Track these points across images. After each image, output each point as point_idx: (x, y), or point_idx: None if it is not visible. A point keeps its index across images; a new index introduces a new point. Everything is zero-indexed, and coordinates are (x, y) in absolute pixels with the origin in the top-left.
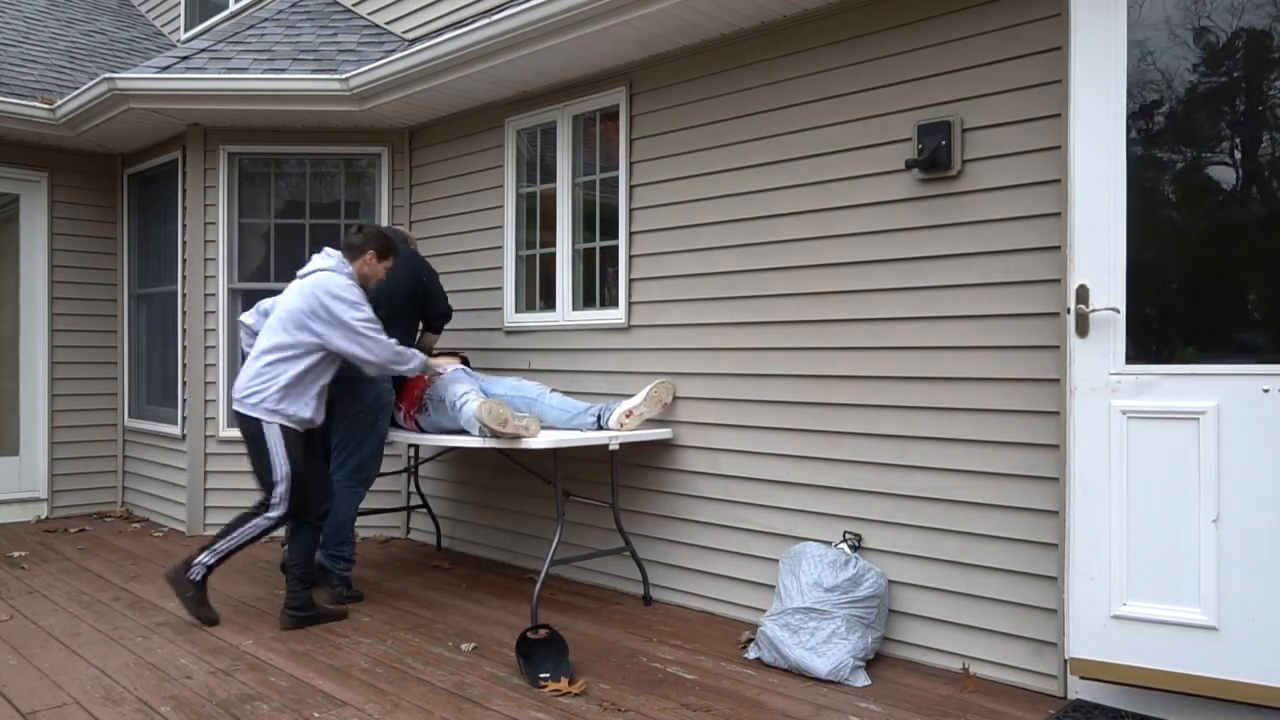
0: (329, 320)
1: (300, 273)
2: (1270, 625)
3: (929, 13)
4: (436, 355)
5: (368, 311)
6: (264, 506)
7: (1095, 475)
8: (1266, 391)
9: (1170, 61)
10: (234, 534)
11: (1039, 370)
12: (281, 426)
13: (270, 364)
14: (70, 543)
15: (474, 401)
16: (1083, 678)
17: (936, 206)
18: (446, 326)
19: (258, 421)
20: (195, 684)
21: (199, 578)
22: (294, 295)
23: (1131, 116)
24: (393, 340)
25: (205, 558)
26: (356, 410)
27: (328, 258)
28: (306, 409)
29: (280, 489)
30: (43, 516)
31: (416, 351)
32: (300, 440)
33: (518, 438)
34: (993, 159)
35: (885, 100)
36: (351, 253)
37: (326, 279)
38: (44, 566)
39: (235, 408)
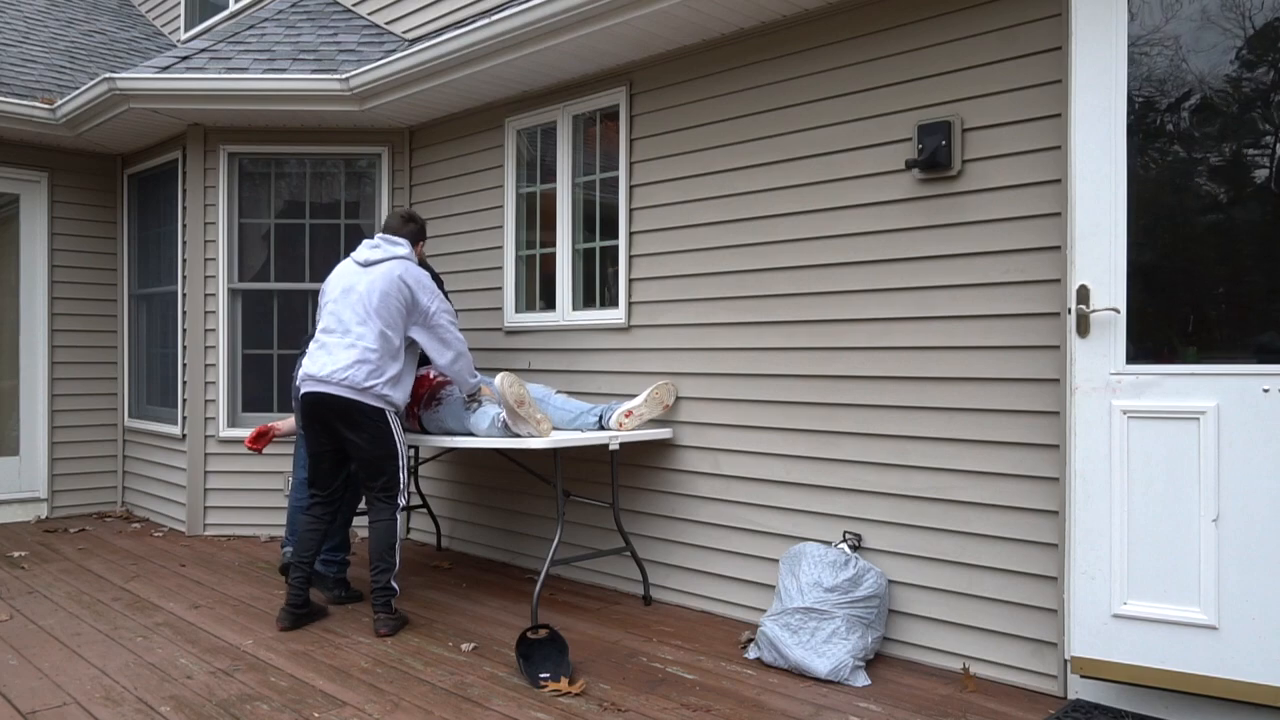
0: (415, 308)
1: (363, 259)
2: (1270, 625)
3: (929, 13)
4: None
5: (448, 304)
6: (389, 502)
7: (1096, 474)
8: (1266, 391)
9: (1172, 63)
10: (395, 549)
11: (1039, 370)
12: (397, 412)
13: (380, 356)
14: (70, 543)
15: (498, 374)
16: (1084, 676)
17: (936, 206)
18: None
19: (382, 411)
20: (195, 684)
21: (395, 604)
22: (379, 280)
23: (1132, 119)
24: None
25: (394, 584)
26: None
27: (397, 245)
28: (406, 395)
29: (404, 478)
30: (43, 516)
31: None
32: None
33: (528, 424)
34: (993, 159)
35: (885, 100)
36: (413, 240)
37: (410, 267)
38: (44, 566)
39: (356, 396)
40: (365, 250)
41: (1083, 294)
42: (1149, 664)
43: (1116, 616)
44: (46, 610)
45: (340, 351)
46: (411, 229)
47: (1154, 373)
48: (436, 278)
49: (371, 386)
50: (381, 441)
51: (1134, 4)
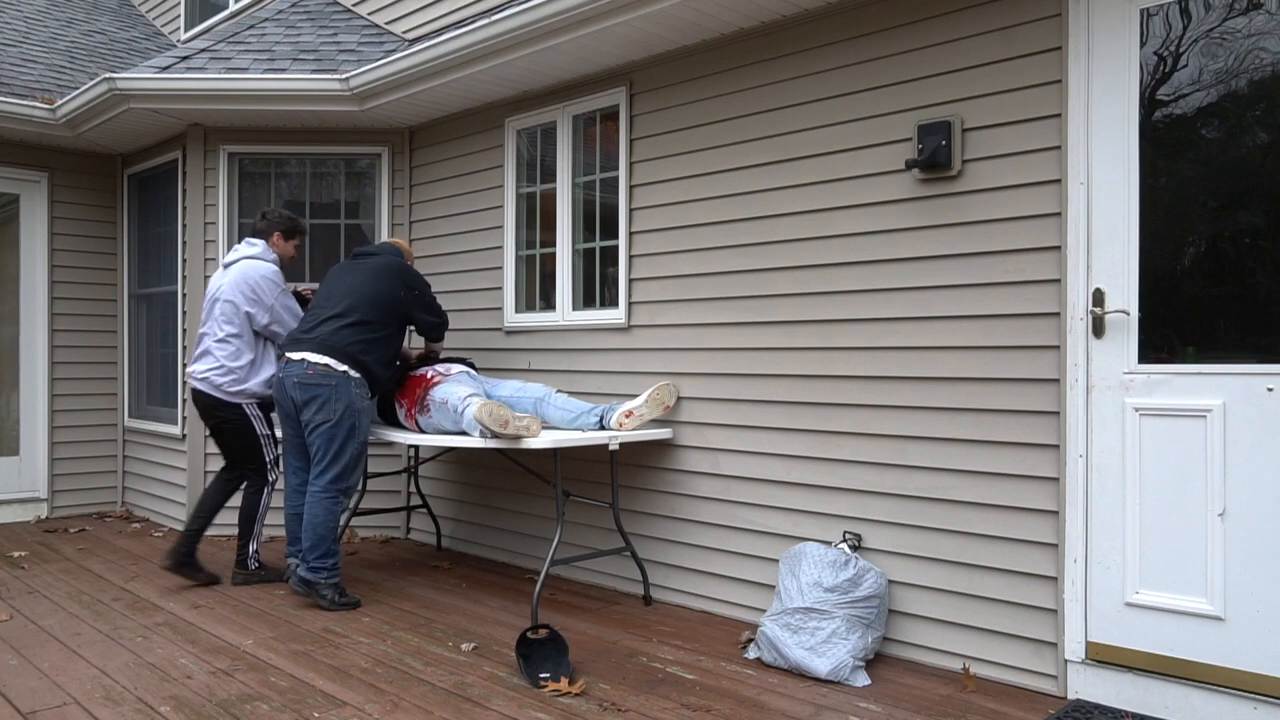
0: (258, 301)
1: (225, 260)
2: (1273, 617)
3: (929, 13)
4: (444, 360)
5: (290, 299)
6: (263, 479)
7: (1109, 468)
8: (1271, 390)
9: (1180, 74)
10: (257, 518)
11: (1039, 370)
12: (259, 404)
13: (233, 352)
14: (70, 543)
15: (475, 403)
16: (1097, 661)
17: (936, 206)
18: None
19: (238, 407)
20: (195, 684)
21: (258, 564)
22: (227, 283)
23: (1143, 127)
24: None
25: (253, 547)
26: (331, 418)
27: (250, 245)
28: (264, 384)
29: (270, 456)
30: (43, 516)
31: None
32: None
33: (519, 438)
34: (993, 159)
35: (885, 100)
36: (266, 235)
37: (257, 266)
38: (44, 566)
39: (214, 393)
40: (231, 254)
41: (1098, 297)
42: (1159, 651)
43: (1129, 605)
44: (46, 610)
45: (207, 354)
46: (262, 225)
47: (1164, 372)
48: (424, 289)
49: (225, 384)
50: (240, 434)
51: (1146, 20)
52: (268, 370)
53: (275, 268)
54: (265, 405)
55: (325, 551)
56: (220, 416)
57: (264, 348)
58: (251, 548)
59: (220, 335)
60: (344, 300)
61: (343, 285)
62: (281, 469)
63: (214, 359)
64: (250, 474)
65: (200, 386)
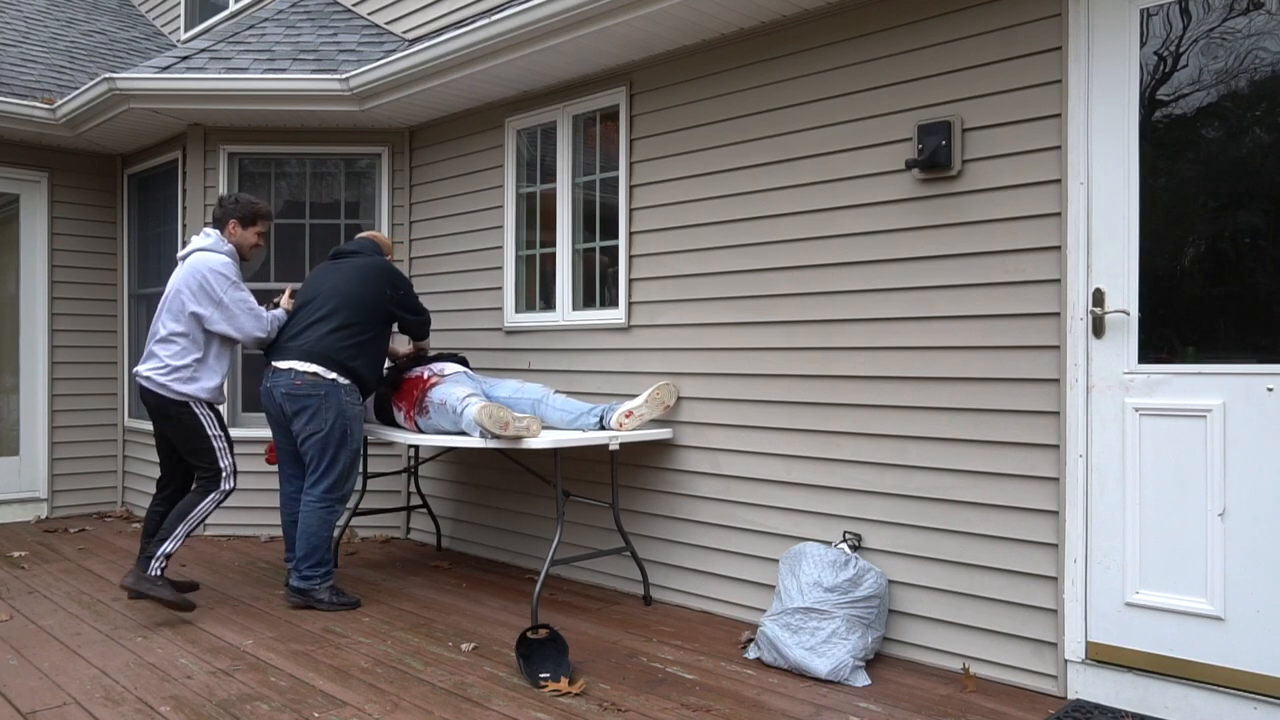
0: (206, 296)
1: (180, 254)
2: (1274, 618)
3: (929, 13)
4: (434, 358)
5: (244, 292)
6: (214, 485)
7: (1110, 468)
8: (1270, 390)
9: (1180, 75)
10: (189, 519)
11: (1039, 370)
12: (208, 404)
13: (178, 351)
14: (70, 543)
15: (474, 405)
16: (1097, 661)
17: (936, 206)
18: (444, 326)
19: (185, 404)
20: (195, 684)
21: (160, 574)
22: (178, 279)
23: (1143, 128)
24: (260, 314)
25: (167, 548)
26: (322, 428)
27: (205, 236)
28: (213, 390)
29: (226, 462)
30: (43, 516)
31: (271, 315)
32: (218, 410)
33: (519, 439)
34: (993, 159)
35: (885, 100)
36: (221, 224)
37: (206, 259)
38: (44, 566)
39: (160, 391)
40: (185, 248)
41: (1098, 297)
42: (1159, 651)
43: (1129, 605)
44: (46, 610)
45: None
46: (218, 213)
47: (1164, 372)
48: (407, 288)
49: (171, 382)
50: (189, 435)
51: (1146, 20)
52: (217, 375)
53: (227, 259)
54: (214, 406)
55: (318, 561)
56: (167, 415)
57: (215, 349)
58: (165, 548)
59: (163, 334)
60: (328, 303)
61: (326, 287)
62: (237, 480)
63: (157, 359)
64: (204, 480)
65: (146, 385)
